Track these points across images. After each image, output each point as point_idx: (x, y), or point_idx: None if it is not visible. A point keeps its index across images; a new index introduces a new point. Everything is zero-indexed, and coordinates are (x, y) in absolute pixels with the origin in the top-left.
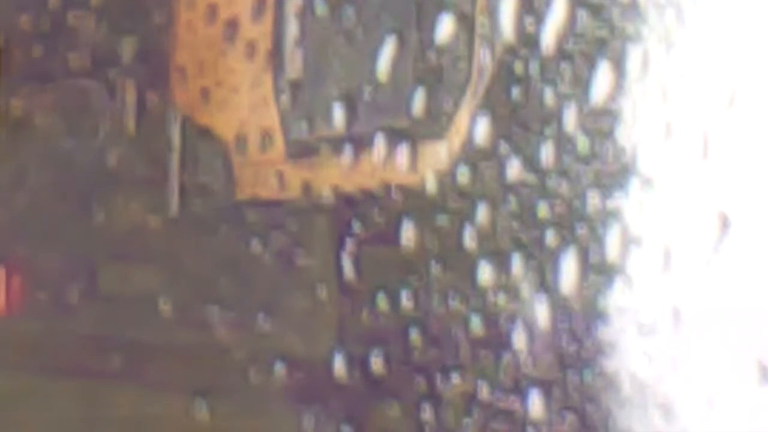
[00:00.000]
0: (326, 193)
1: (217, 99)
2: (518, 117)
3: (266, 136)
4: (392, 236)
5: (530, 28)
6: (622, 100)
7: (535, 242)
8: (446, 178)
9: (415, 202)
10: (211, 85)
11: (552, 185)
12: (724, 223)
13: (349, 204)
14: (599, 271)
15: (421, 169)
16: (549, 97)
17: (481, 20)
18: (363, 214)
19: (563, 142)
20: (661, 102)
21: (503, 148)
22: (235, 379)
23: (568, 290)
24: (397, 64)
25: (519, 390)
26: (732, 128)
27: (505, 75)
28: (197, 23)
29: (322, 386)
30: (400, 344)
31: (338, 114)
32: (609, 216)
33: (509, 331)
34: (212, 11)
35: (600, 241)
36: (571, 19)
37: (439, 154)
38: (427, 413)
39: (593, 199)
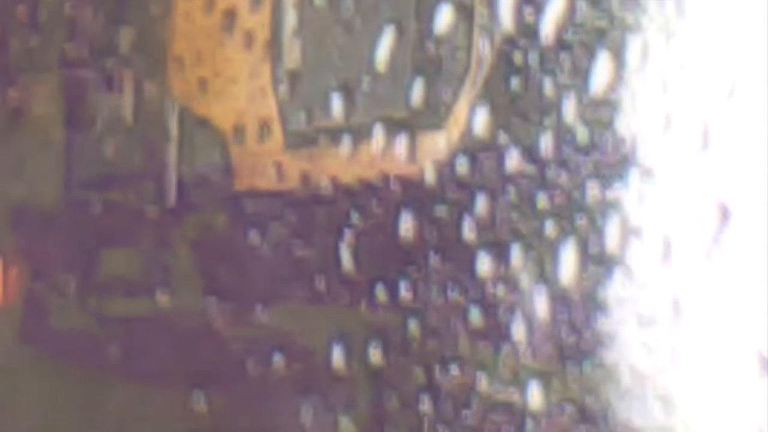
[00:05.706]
0: (324, 184)
1: (214, 89)
2: (517, 107)
3: (264, 127)
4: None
5: (529, 18)
6: (621, 90)
7: (535, 233)
8: (445, 169)
9: (414, 193)
10: (208, 75)
11: (551, 176)
12: (724, 214)
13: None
14: (599, 262)
15: (420, 160)
16: (548, 87)
17: (480, 10)
18: (361, 204)
19: (562, 133)
20: (660, 92)
21: (502, 138)
22: None
23: (568, 281)
24: (395, 54)
25: (518, 381)
26: (732, 119)
27: (504, 65)
28: (195, 13)
29: None
30: (399, 336)
31: (336, 104)
32: (608, 207)
33: (508, 323)
34: (210, 1)
35: (599, 232)
36: (571, 9)
37: (437, 144)
38: (425, 405)
39: (593, 190)
